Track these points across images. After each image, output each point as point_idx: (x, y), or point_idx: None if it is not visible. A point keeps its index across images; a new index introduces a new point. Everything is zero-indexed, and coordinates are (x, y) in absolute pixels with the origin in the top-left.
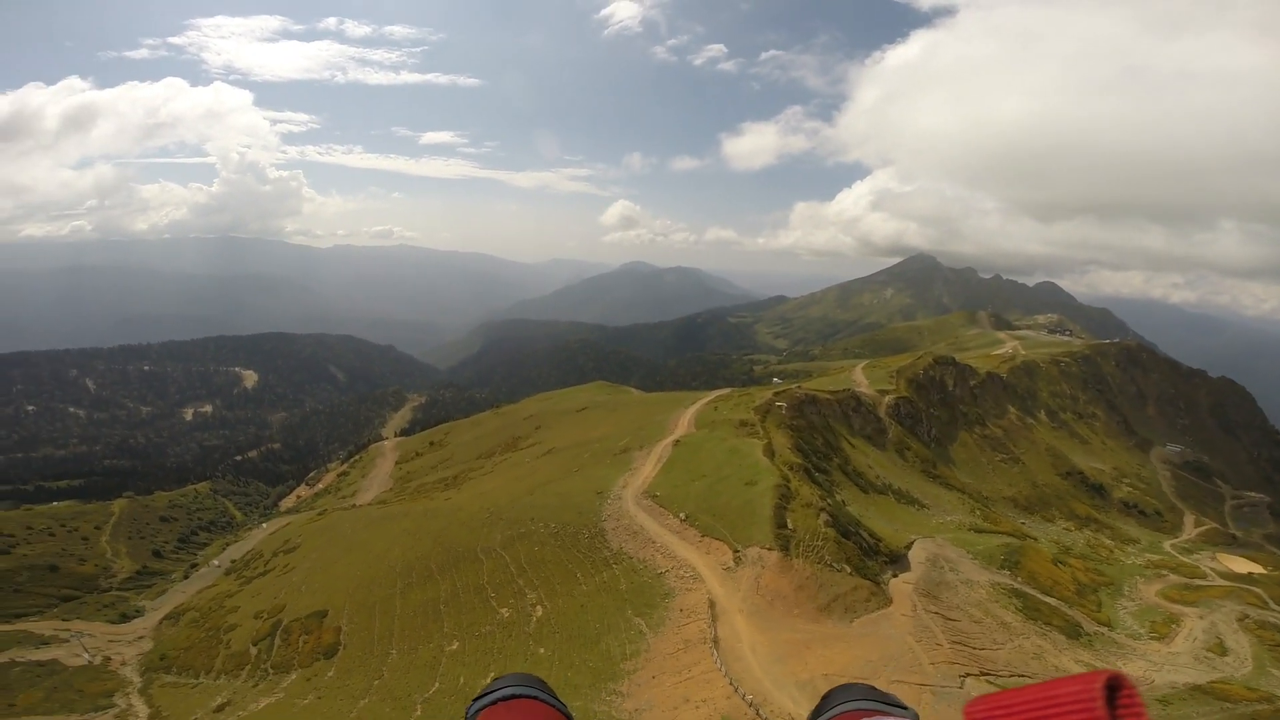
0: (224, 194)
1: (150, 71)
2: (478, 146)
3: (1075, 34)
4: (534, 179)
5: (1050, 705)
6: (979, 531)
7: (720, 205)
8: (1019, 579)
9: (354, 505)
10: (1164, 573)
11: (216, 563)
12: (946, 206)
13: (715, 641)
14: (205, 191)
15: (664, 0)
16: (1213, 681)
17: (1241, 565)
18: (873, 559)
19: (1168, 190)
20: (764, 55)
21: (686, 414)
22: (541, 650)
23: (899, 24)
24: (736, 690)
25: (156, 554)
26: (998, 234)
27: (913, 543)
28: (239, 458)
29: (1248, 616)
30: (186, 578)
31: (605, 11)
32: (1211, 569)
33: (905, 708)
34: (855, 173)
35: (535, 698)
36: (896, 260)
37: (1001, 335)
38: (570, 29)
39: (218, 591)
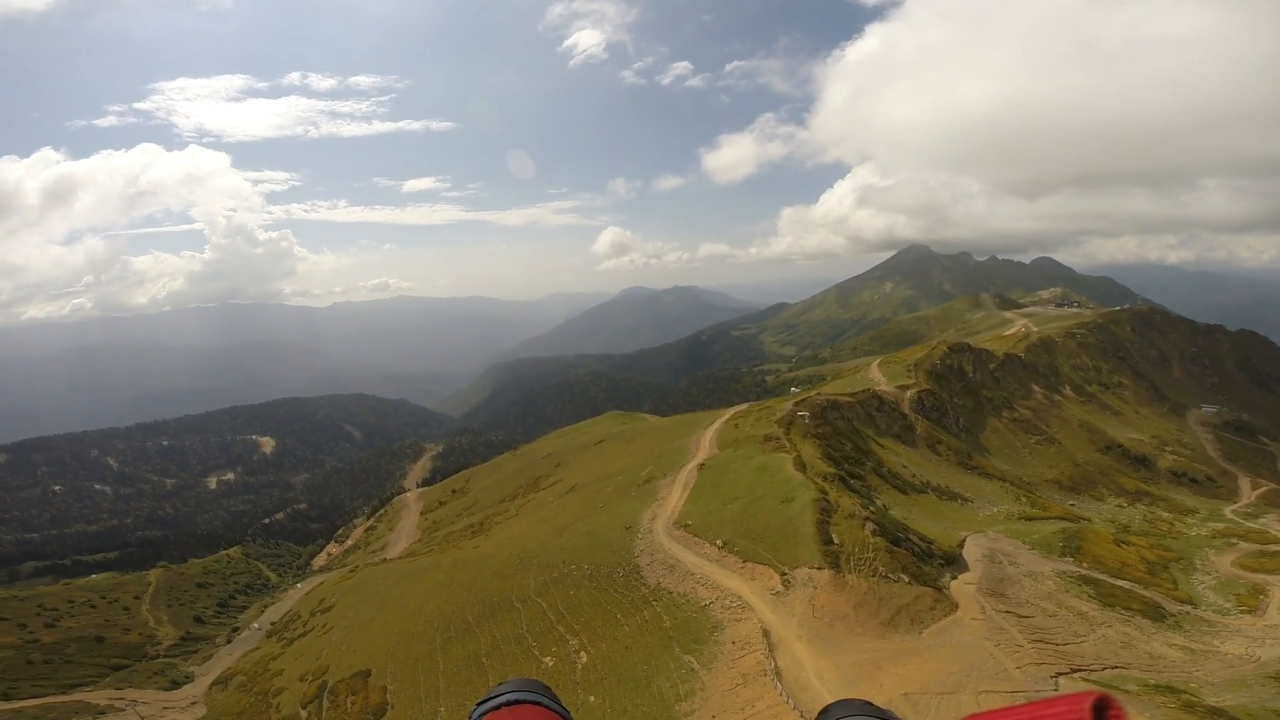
0: (217, 260)
1: (122, 139)
2: (461, 189)
3: (1023, 12)
4: (522, 216)
5: None
6: (1029, 520)
7: (709, 220)
8: (1084, 565)
9: (384, 559)
10: (1234, 541)
11: (257, 625)
12: (932, 195)
13: (777, 673)
14: (198, 259)
15: (624, 24)
16: None
17: None
18: (928, 563)
19: (1145, 155)
20: (729, 67)
21: (707, 435)
22: (592, 699)
23: (852, 20)
24: None
25: (198, 620)
26: (987, 216)
27: (965, 540)
28: (267, 520)
29: None
30: (229, 642)
31: (569, 42)
32: None
33: None
34: (836, 172)
35: (539, 704)
36: (891, 254)
37: (1009, 315)
38: (536, 63)
39: (262, 655)
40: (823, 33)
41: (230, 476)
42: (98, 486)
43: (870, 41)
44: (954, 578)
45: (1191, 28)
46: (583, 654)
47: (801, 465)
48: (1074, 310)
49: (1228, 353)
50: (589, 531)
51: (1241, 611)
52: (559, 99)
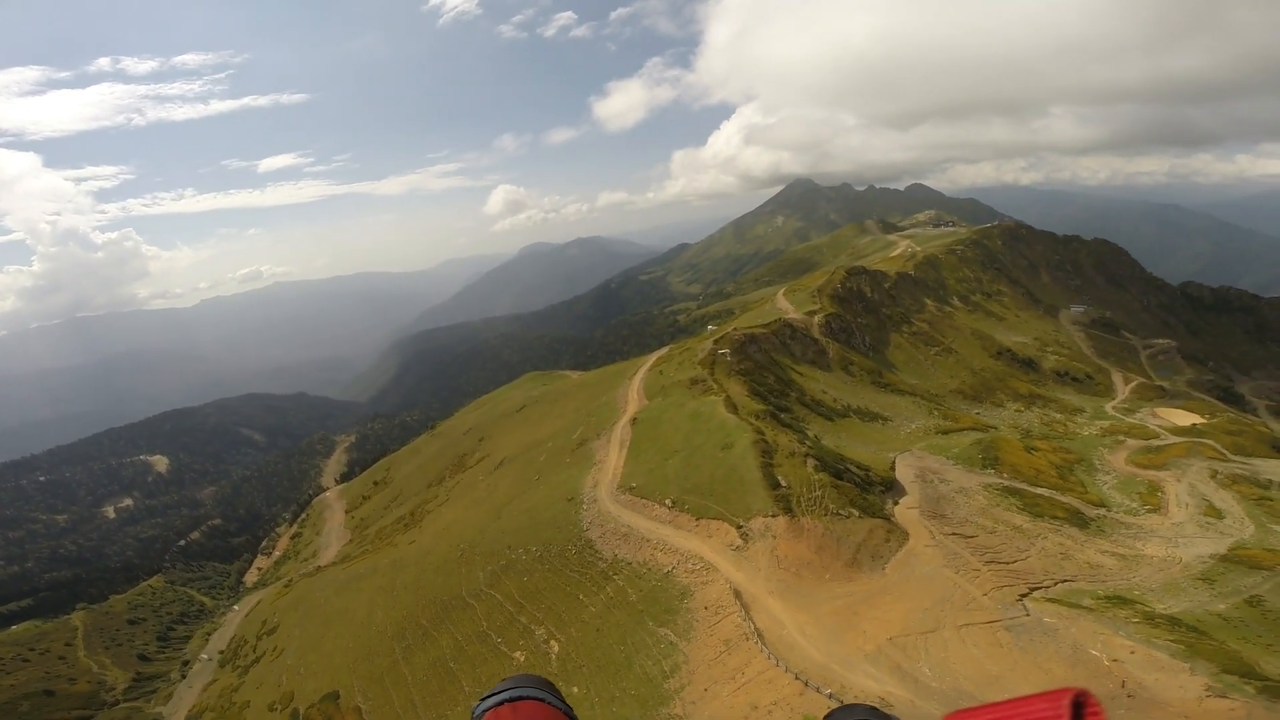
0: (51, 270)
1: None
2: (327, 163)
3: None
4: (401, 183)
5: None
6: (945, 434)
7: (605, 169)
8: (1005, 475)
9: (318, 567)
10: (1120, 438)
11: (206, 655)
12: (814, 130)
13: (759, 635)
14: (27, 272)
15: None
16: (1232, 550)
17: (1182, 417)
18: (870, 492)
19: (1003, 85)
20: (614, 14)
21: (633, 385)
22: (575, 689)
23: None
24: (807, 684)
25: (143, 658)
26: (864, 149)
27: (894, 461)
28: (182, 542)
29: (1217, 472)
30: (184, 677)
31: (434, 1)
32: (1158, 426)
33: None
34: (722, 113)
35: (541, 700)
36: (779, 189)
37: (893, 238)
38: (397, 25)
39: (221, 687)
40: None
41: (128, 502)
42: None
43: None
44: (895, 503)
45: None
46: (553, 643)
47: (733, 406)
48: (949, 230)
49: (1086, 258)
50: (529, 509)
51: (1148, 510)
52: (429, 60)
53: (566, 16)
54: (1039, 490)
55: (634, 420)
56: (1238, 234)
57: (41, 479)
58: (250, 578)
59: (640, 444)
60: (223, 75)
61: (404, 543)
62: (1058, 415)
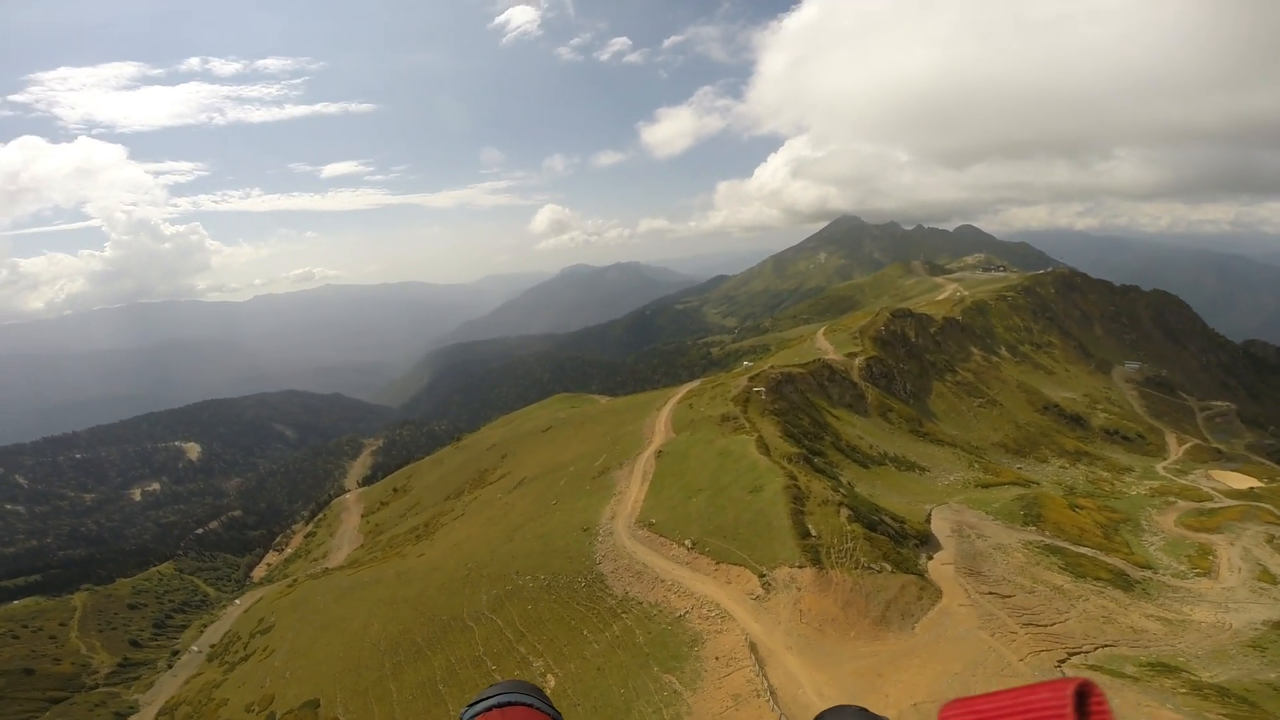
0: (120, 258)
1: None
2: (385, 172)
3: None
4: (452, 198)
5: (1023, 712)
6: (985, 487)
7: (649, 196)
8: (1047, 533)
9: (325, 569)
10: (1171, 499)
11: (196, 648)
12: (864, 165)
13: (772, 692)
14: (99, 258)
15: (560, 0)
16: None
17: (1238, 480)
18: (904, 545)
19: (1068, 124)
20: (667, 42)
21: (661, 416)
22: None
23: None
24: None
25: (134, 644)
26: (915, 186)
27: (930, 514)
28: (200, 531)
29: (1275, 537)
30: (170, 667)
31: (500, 19)
32: (1212, 489)
33: None
34: (770, 145)
35: (530, 705)
36: (824, 224)
37: (939, 280)
38: (464, 40)
39: (204, 681)
40: (762, 3)
41: (156, 487)
42: (9, 506)
43: (810, 10)
44: (930, 558)
45: (1114, 3)
46: (549, 677)
47: (765, 447)
48: (999, 274)
49: (1143, 310)
50: (542, 535)
51: (1196, 574)
52: (490, 77)
53: (621, 42)
54: (1082, 549)
55: (659, 453)
56: None
57: (78, 456)
58: (258, 573)
59: (664, 478)
60: (299, 81)
61: (413, 554)
62: (1104, 473)
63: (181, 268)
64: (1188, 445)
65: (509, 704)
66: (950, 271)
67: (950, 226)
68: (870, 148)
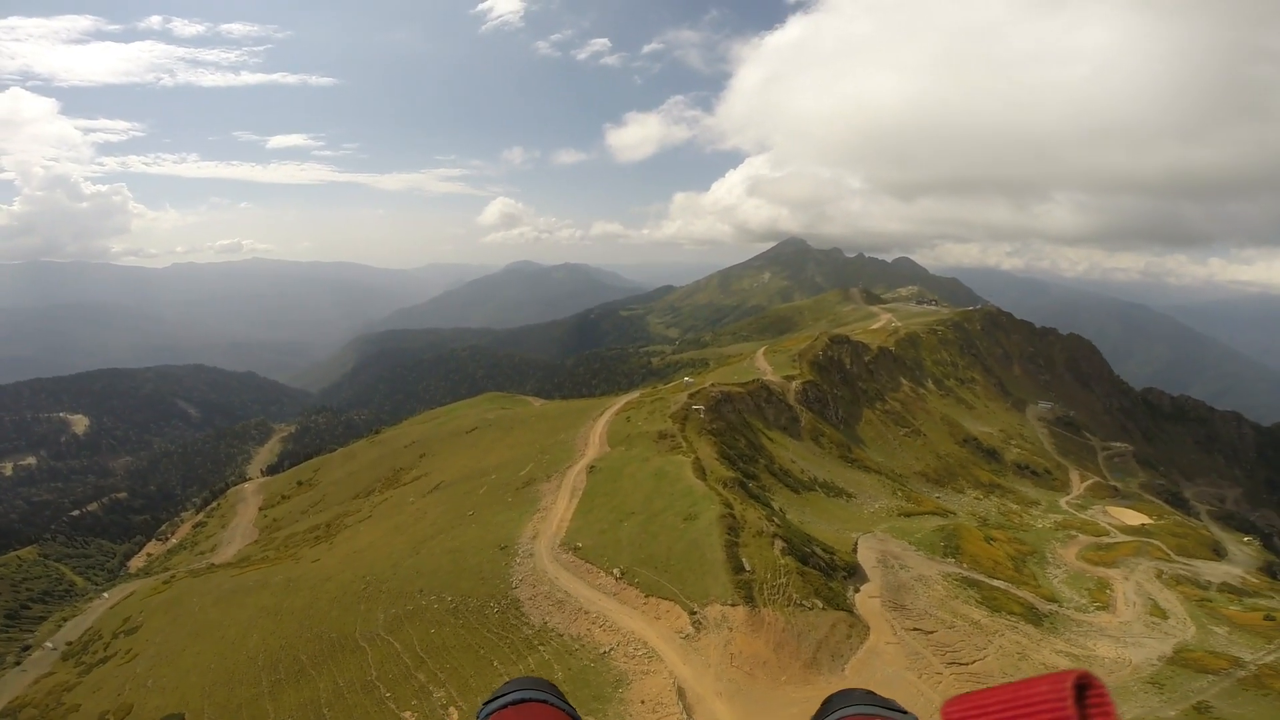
0: (29, 213)
1: None
2: (336, 149)
3: (946, 13)
4: (402, 180)
5: (1023, 705)
6: (908, 515)
7: (605, 199)
8: (964, 565)
9: (210, 565)
10: (1073, 533)
11: (51, 644)
12: (819, 189)
13: None
14: (5, 211)
15: None
16: (1179, 652)
17: (1131, 517)
18: (834, 577)
19: (1017, 164)
20: (646, 48)
21: (596, 428)
22: None
23: (777, 11)
24: None
25: None
26: (861, 214)
27: (857, 543)
28: (76, 512)
29: (1163, 572)
30: (19, 663)
31: (483, 6)
32: (1109, 524)
33: (905, 712)
34: (731, 160)
35: (546, 702)
36: (771, 244)
37: (875, 309)
38: (443, 23)
39: (55, 682)
40: (750, 17)
41: (31, 461)
42: None
43: (794, 29)
44: (857, 590)
45: (1089, 42)
46: (453, 710)
47: (701, 471)
48: (931, 308)
49: (1058, 353)
50: (453, 550)
51: (1097, 608)
52: (462, 63)
53: (601, 43)
54: (996, 583)
55: (591, 468)
56: (1195, 340)
57: None
58: (136, 563)
59: (594, 497)
60: (261, 49)
61: (307, 559)
62: (1014, 506)
63: (98, 228)
64: (1089, 482)
65: (525, 700)
66: (886, 301)
67: (889, 257)
68: (827, 172)
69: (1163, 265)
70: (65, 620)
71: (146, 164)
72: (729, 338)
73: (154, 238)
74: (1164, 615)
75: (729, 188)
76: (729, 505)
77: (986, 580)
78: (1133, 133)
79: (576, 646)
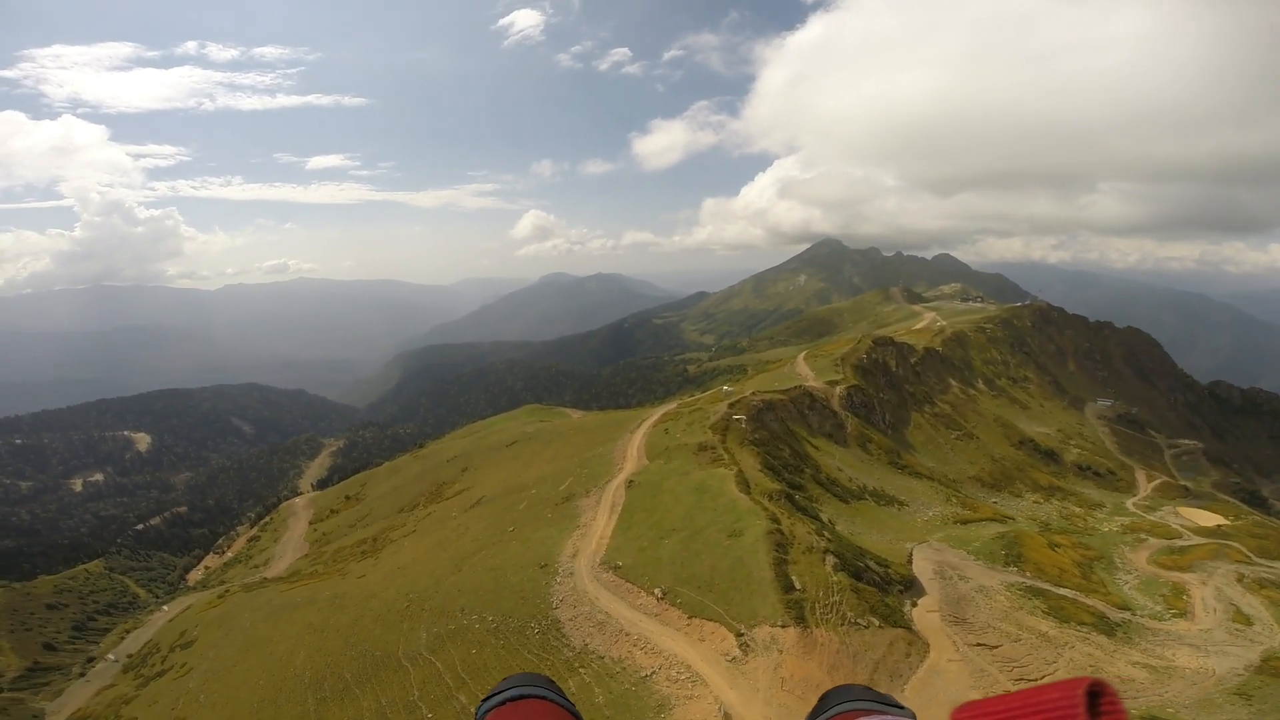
0: (90, 239)
1: None
2: (372, 168)
3: (973, 4)
4: (436, 197)
5: (1034, 711)
6: (964, 523)
7: (634, 208)
8: (1028, 574)
9: (263, 579)
10: (1142, 536)
11: (113, 656)
12: (852, 189)
13: None
14: (67, 237)
15: (566, 6)
16: (1268, 660)
17: (1205, 518)
18: (889, 592)
19: (1060, 156)
20: (667, 55)
21: (634, 441)
22: None
23: (797, 10)
24: None
25: (48, 647)
26: (898, 212)
27: (911, 554)
28: (140, 526)
29: (1244, 576)
30: (83, 674)
31: (504, 21)
32: (1181, 526)
33: (902, 708)
34: (759, 164)
35: (544, 697)
36: (806, 246)
37: (917, 308)
38: (466, 40)
39: (115, 694)
40: (769, 17)
41: (99, 477)
42: None
43: (815, 27)
44: (914, 604)
45: (1126, 28)
46: None
47: (745, 483)
48: (977, 305)
49: (1115, 348)
50: (495, 568)
51: (1173, 615)
52: (487, 79)
53: (621, 53)
54: (1063, 591)
55: (630, 483)
56: (1260, 329)
57: (18, 441)
58: (194, 576)
59: (634, 513)
60: (294, 71)
61: (353, 575)
62: (1077, 509)
63: (153, 252)
64: (1156, 482)
65: (524, 696)
66: (928, 300)
67: (929, 254)
68: (859, 171)
69: (1219, 253)
70: (128, 632)
71: (194, 188)
72: (766, 343)
73: (206, 260)
74: (1248, 621)
75: (759, 191)
76: (776, 520)
77: (1052, 589)
78: (1179, 118)
79: (618, 669)
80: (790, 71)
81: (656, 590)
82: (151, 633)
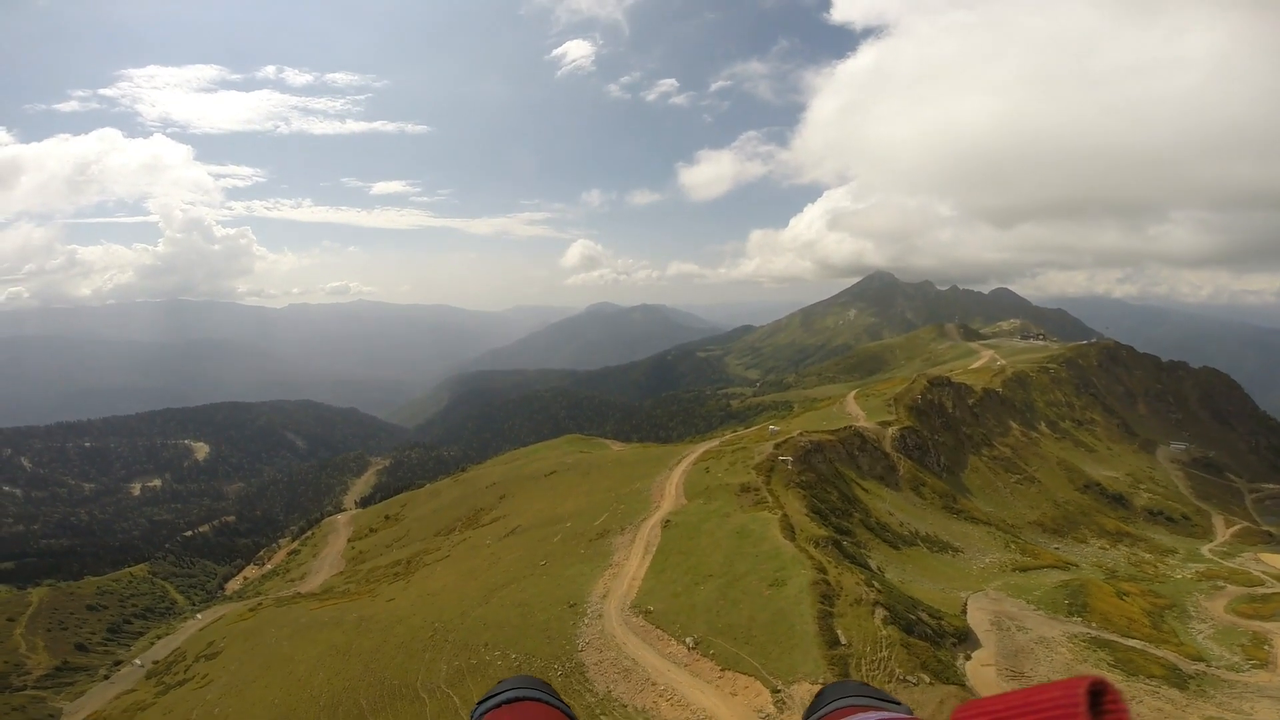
0: (171, 254)
1: (82, 124)
2: (431, 195)
3: (1030, 29)
4: (491, 225)
5: (1035, 711)
6: (1024, 571)
7: (680, 238)
8: (1093, 624)
9: (296, 593)
10: (1220, 584)
11: (139, 661)
12: (906, 220)
13: None
14: (151, 252)
15: (616, 37)
16: None
17: None
18: (942, 646)
19: (1129, 183)
20: (714, 86)
21: (673, 478)
22: None
23: (847, 38)
24: None
25: (80, 648)
26: (954, 244)
27: (966, 604)
28: (189, 533)
29: None
30: (108, 677)
31: (557, 51)
32: (1263, 573)
33: (899, 703)
34: (809, 195)
35: (540, 700)
36: (856, 279)
37: (975, 345)
38: (521, 71)
39: (133, 700)
40: (819, 45)
41: (157, 483)
42: (7, 488)
43: (866, 56)
44: (968, 658)
45: (1196, 49)
46: None
47: (789, 529)
48: (1039, 343)
49: (1190, 389)
50: (522, 603)
51: (1253, 665)
52: (541, 108)
53: (669, 83)
54: (1131, 642)
55: (666, 522)
56: None
57: (86, 444)
58: (233, 585)
59: (669, 555)
60: (362, 97)
61: (383, 597)
62: (1147, 555)
63: (226, 269)
64: (1236, 528)
65: (519, 699)
66: (985, 337)
67: (986, 288)
68: (914, 201)
69: None
70: (159, 638)
71: (267, 208)
72: (814, 379)
73: (274, 279)
74: None
75: (808, 223)
76: (822, 570)
77: (1120, 640)
78: (1258, 141)
79: None
80: (842, 100)
81: (688, 639)
82: (180, 640)
